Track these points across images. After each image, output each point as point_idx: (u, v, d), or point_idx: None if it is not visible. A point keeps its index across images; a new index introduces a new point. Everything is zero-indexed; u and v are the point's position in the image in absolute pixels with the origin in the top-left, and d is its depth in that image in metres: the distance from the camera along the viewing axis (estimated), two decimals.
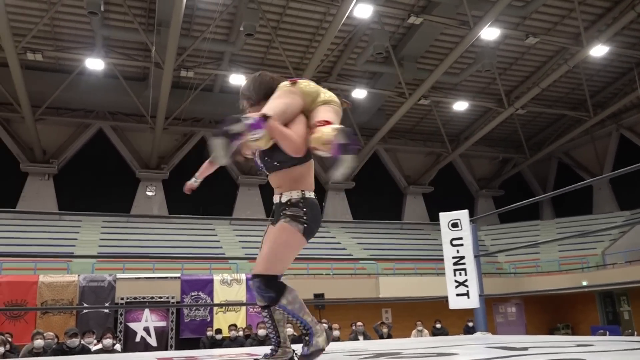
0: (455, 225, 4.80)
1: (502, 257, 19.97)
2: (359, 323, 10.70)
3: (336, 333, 9.71)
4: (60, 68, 17.94)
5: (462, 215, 4.81)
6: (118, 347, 8.77)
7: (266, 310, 2.37)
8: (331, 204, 22.49)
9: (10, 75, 15.52)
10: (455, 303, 4.70)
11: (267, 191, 19.00)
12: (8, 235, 15.83)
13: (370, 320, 13.22)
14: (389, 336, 10.99)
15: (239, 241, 18.42)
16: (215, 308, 13.18)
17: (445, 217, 4.87)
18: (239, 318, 12.93)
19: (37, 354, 7.43)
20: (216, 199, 20.70)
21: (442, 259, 4.80)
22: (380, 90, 19.13)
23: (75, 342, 7.11)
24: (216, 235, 19.24)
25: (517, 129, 22.80)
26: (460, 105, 20.39)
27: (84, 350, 7.19)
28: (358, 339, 9.81)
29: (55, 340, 8.28)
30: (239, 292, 13.45)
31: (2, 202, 17.89)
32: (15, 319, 11.34)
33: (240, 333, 10.93)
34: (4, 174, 18.89)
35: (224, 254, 17.04)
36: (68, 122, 20.19)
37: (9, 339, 8.52)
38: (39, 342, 7.55)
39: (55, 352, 7.24)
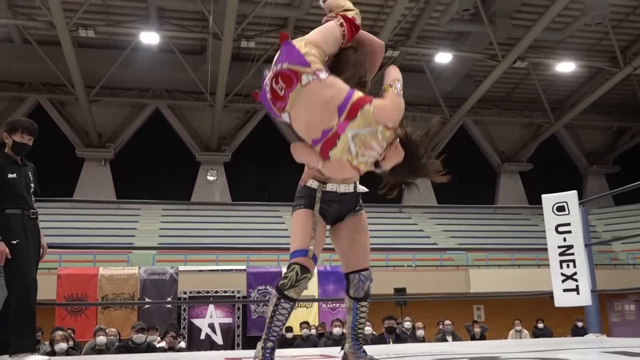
0: (561, 209, 4.68)
1: (618, 245, 19.16)
2: (447, 322, 10.61)
3: (420, 333, 9.70)
4: (114, 44, 18.78)
5: (570, 197, 4.68)
6: (183, 344, 9.19)
7: (360, 304, 2.79)
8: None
9: (62, 55, 16.42)
10: (563, 300, 4.59)
11: None
12: (66, 225, 16.87)
13: (459, 318, 13.07)
14: (482, 337, 10.84)
15: None
16: None
17: (549, 199, 4.74)
18: (311, 315, 13.16)
19: (100, 351, 7.92)
20: (282, 183, 21.04)
21: (545, 249, 4.71)
22: (467, 52, 18.67)
23: (141, 337, 7.55)
24: (284, 222, 19.59)
25: (635, 92, 21.59)
26: (565, 67, 19.63)
27: (150, 347, 7.60)
28: (446, 340, 9.75)
29: (118, 336, 8.79)
30: (310, 286, 13.62)
31: (59, 191, 19.06)
32: (76, 314, 12.12)
33: (313, 331, 11.13)
34: (60, 160, 20.08)
35: None
36: (123, 103, 21.17)
37: (72, 335, 9.12)
38: (101, 339, 8.03)
39: (121, 349, 7.69)
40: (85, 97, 18.93)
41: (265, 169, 21.27)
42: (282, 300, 2.55)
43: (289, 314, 2.59)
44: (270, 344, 2.56)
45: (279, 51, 2.47)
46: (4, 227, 3.52)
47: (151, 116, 21.52)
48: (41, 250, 3.82)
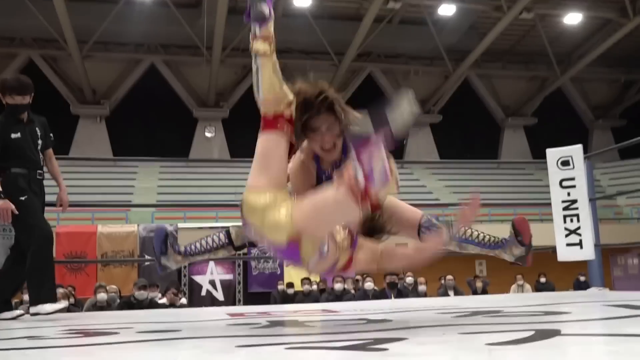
0: (565, 163, 4.66)
1: (623, 200, 19.25)
2: (449, 277, 10.74)
3: (422, 288, 9.86)
4: None
5: (575, 151, 4.66)
6: (184, 300, 9.32)
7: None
8: (414, 141, 22.21)
9: (53, 9, 16.12)
10: (565, 254, 4.62)
11: None
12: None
13: (461, 273, 13.20)
14: (484, 292, 10.99)
15: None
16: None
17: (553, 153, 4.72)
18: None
19: (101, 308, 8.03)
20: None
21: (549, 204, 4.72)
22: (472, 4, 18.35)
23: (143, 294, 7.67)
24: None
25: None
26: (572, 18, 19.36)
27: (152, 303, 7.72)
28: (448, 295, 9.88)
29: (118, 293, 8.90)
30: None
31: (55, 149, 19.03)
32: (76, 272, 12.25)
33: (315, 287, 11.27)
34: (54, 117, 19.90)
35: None
36: (117, 58, 20.92)
37: (72, 292, 9.25)
38: (102, 296, 8.13)
39: (123, 306, 7.81)
40: (79, 52, 18.69)
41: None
42: (221, 230, 2.84)
43: (215, 249, 2.81)
44: (187, 249, 2.82)
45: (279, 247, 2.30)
46: (10, 185, 3.54)
47: (146, 72, 21.30)
48: (62, 206, 3.93)
